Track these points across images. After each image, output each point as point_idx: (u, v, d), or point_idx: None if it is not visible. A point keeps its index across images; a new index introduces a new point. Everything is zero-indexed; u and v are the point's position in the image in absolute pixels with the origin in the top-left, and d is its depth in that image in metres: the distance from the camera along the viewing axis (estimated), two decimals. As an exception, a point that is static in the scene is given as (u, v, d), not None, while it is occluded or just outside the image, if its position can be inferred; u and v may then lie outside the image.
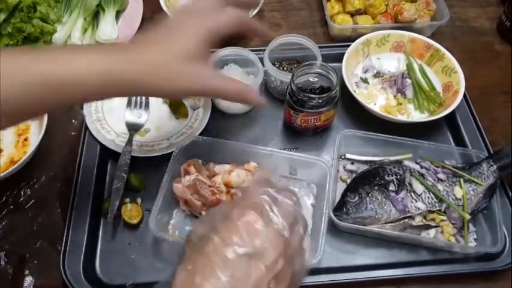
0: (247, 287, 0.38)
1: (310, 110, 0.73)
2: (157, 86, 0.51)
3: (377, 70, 0.88)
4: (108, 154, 0.76)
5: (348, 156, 0.77)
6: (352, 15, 0.98)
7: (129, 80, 0.49)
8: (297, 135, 0.81)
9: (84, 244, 0.66)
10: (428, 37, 0.89)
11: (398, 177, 0.70)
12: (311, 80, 0.76)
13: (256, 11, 0.95)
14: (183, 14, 0.55)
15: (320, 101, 0.72)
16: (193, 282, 0.38)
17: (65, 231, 0.67)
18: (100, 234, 0.69)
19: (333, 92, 0.71)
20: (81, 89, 0.48)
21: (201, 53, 0.52)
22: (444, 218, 0.68)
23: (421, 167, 0.72)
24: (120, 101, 0.80)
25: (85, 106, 0.79)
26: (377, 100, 0.85)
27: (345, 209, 0.67)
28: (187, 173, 0.70)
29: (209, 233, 0.41)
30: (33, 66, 0.46)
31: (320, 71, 0.74)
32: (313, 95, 0.71)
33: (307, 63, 0.74)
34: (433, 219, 0.69)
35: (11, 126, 0.69)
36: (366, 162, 0.76)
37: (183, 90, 0.52)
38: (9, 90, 0.45)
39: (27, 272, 0.66)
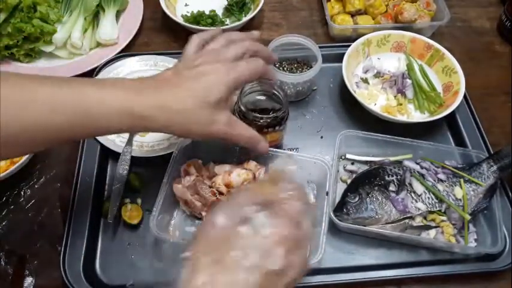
0: None
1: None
2: (186, 131, 0.55)
3: (377, 70, 0.88)
4: (108, 154, 0.76)
5: (348, 156, 0.77)
6: (353, 15, 0.98)
7: (160, 124, 0.53)
8: (297, 135, 0.81)
9: (84, 244, 0.66)
10: (428, 37, 0.89)
11: (399, 177, 0.70)
12: (257, 98, 0.71)
13: (256, 11, 0.95)
14: (207, 58, 0.58)
15: (268, 121, 0.67)
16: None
17: (65, 231, 0.67)
18: (100, 235, 0.69)
19: (280, 113, 0.68)
20: (107, 123, 0.51)
21: (225, 100, 0.55)
22: (444, 218, 0.68)
23: (421, 167, 0.72)
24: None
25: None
26: (377, 100, 0.85)
27: (345, 210, 0.67)
28: (187, 173, 0.70)
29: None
30: (61, 94, 0.49)
31: (269, 90, 0.70)
32: (259, 115, 0.67)
33: (255, 82, 0.68)
34: (433, 220, 0.69)
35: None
36: (366, 162, 0.76)
37: (207, 135, 0.56)
38: (38, 116, 0.47)
39: (27, 272, 0.66)
